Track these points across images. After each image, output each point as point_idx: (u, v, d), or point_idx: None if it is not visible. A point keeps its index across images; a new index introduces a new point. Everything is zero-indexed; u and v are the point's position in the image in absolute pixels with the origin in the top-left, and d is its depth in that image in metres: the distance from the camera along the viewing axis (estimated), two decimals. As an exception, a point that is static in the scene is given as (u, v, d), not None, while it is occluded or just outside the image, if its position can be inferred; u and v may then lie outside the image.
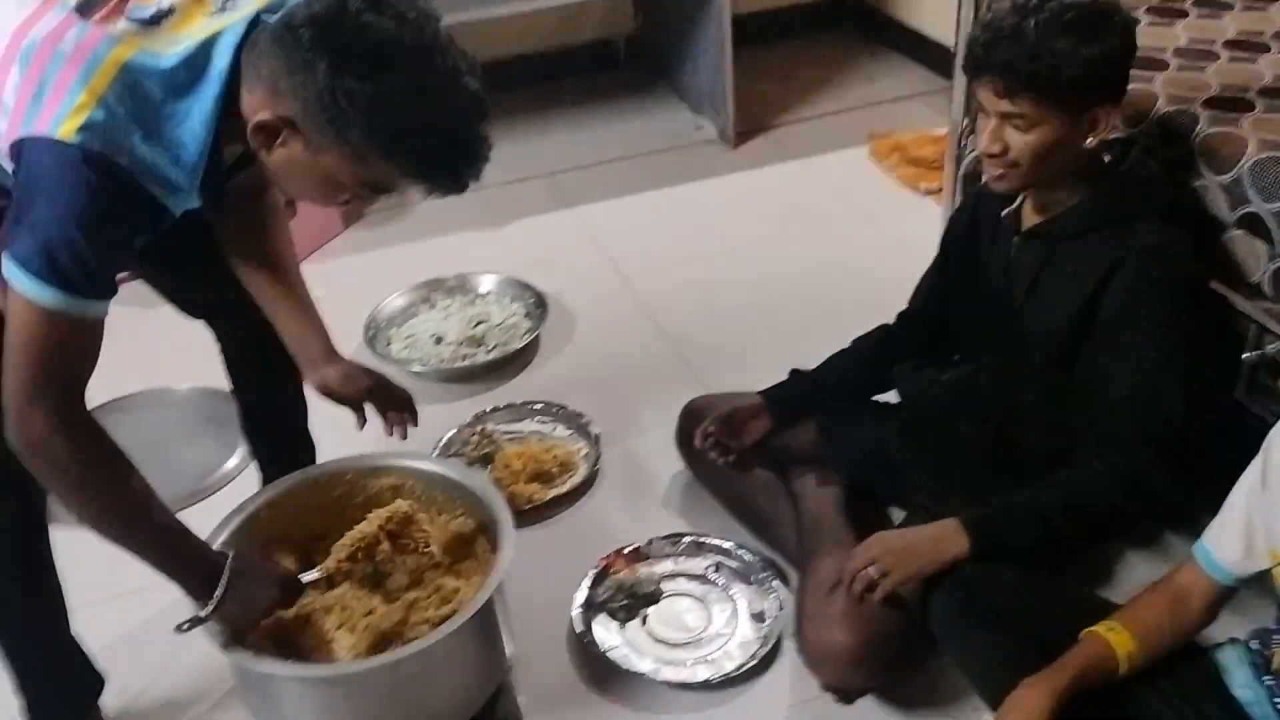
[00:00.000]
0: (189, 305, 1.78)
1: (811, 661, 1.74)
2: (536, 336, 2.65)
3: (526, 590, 1.82)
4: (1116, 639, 1.41)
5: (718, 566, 2.01)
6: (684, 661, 1.84)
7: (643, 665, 1.83)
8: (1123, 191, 1.64)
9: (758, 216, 3.16)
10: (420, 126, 1.25)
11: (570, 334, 2.71)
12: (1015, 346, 1.73)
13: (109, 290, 1.29)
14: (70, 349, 1.26)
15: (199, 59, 1.28)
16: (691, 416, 2.13)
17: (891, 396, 2.01)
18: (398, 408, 1.78)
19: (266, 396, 1.86)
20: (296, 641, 1.56)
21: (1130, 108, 1.88)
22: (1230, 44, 2.12)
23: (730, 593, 1.96)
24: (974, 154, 1.75)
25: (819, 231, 3.06)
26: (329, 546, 1.65)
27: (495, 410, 2.42)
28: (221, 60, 1.28)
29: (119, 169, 1.23)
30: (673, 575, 2.00)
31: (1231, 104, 1.86)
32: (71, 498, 1.30)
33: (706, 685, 1.80)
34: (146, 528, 1.35)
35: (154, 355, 2.58)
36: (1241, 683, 1.41)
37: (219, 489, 2.28)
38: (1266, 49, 2.09)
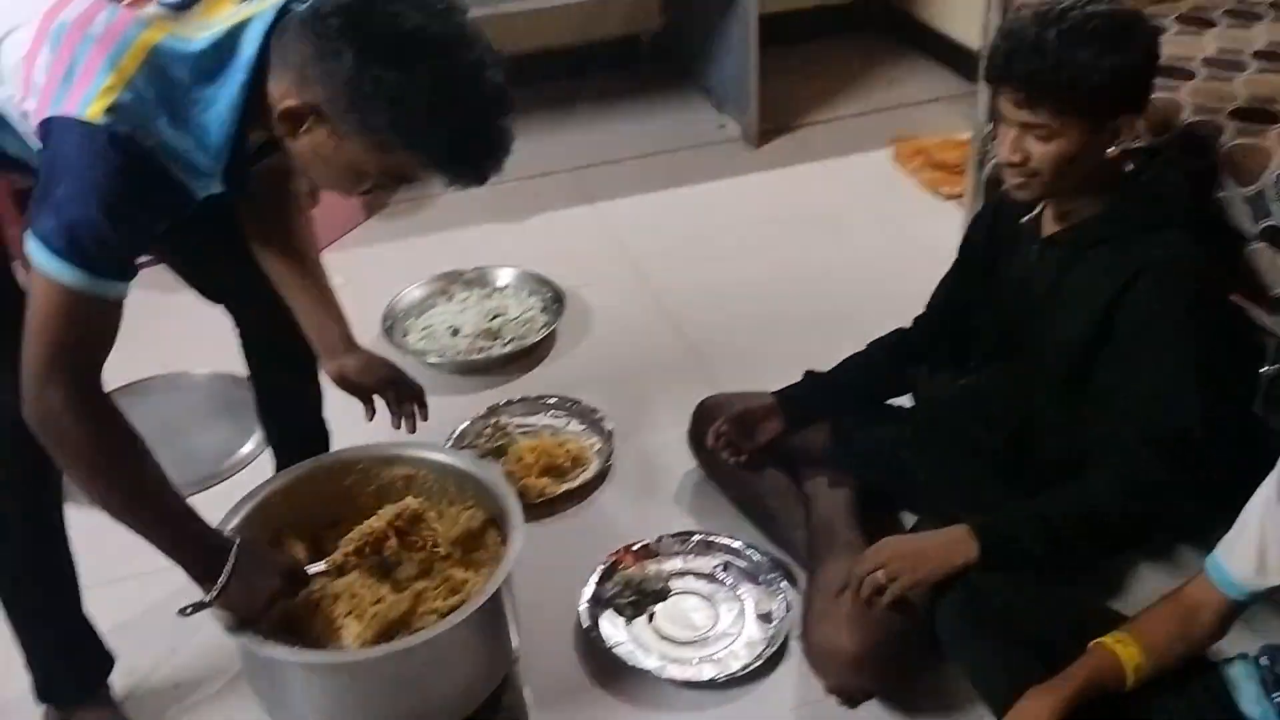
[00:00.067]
0: (209, 290, 1.79)
1: (817, 664, 1.74)
2: (553, 331, 2.66)
3: (535, 584, 1.82)
4: (1124, 651, 1.41)
5: (726, 566, 2.00)
6: (690, 660, 1.84)
7: (648, 662, 1.83)
8: (1144, 201, 1.63)
9: (778, 217, 3.15)
10: (443, 117, 1.26)
11: (586, 329, 2.72)
12: (1031, 354, 1.72)
13: (129, 272, 1.30)
14: (89, 328, 1.27)
15: (227, 45, 1.29)
16: (705, 415, 2.13)
17: (906, 400, 2.01)
18: (410, 400, 1.78)
19: (283, 383, 1.87)
20: (305, 627, 1.57)
21: (1155, 117, 1.87)
22: (1259, 54, 2.10)
23: (738, 592, 1.96)
24: (996, 160, 1.73)
25: (839, 233, 3.05)
26: (340, 535, 1.66)
27: (509, 403, 2.43)
28: (250, 47, 1.29)
29: (145, 151, 1.24)
30: (681, 573, 2.00)
31: (1258, 115, 1.84)
32: (83, 475, 1.31)
33: (711, 684, 1.80)
34: (155, 509, 1.36)
35: (174, 339, 2.60)
36: (1250, 699, 1.40)
37: (234, 473, 2.29)
38: (1296, 61, 2.08)
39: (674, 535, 2.05)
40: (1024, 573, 1.58)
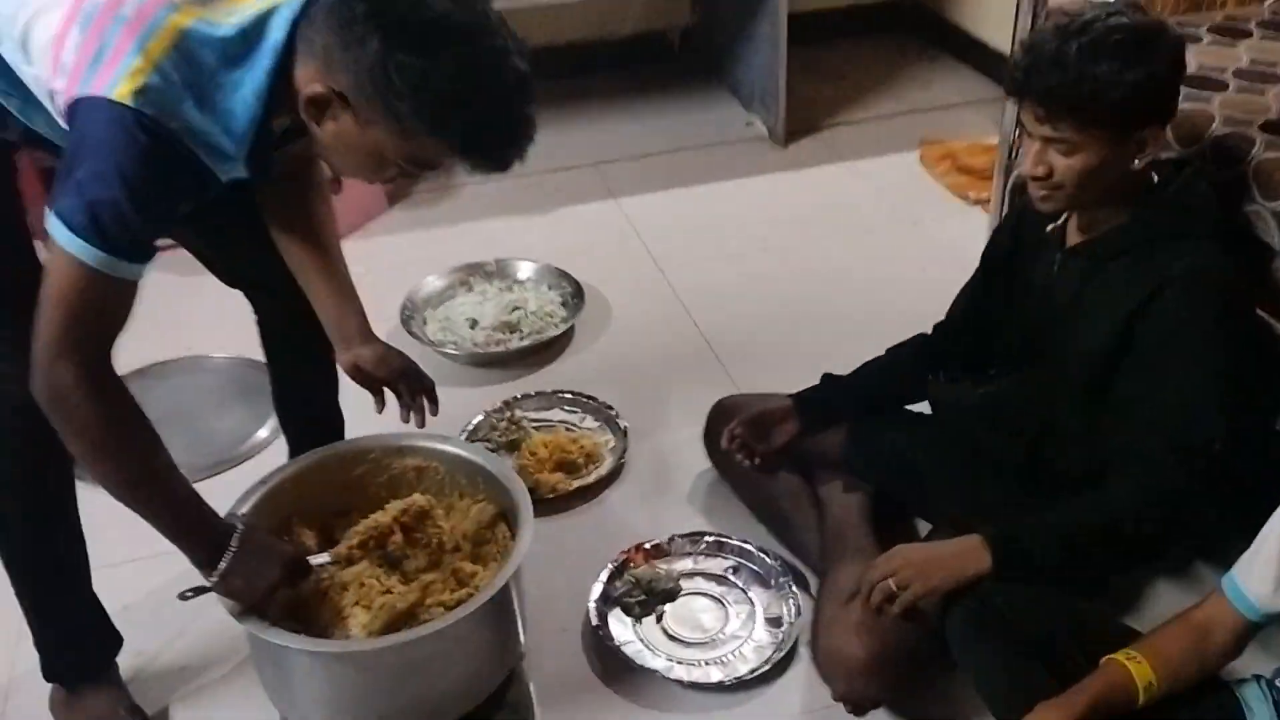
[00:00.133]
0: (228, 275, 1.79)
1: (825, 670, 1.73)
2: (571, 326, 2.65)
3: (544, 579, 1.82)
4: (1137, 669, 1.39)
5: (737, 568, 1.99)
6: (697, 661, 1.83)
7: (655, 662, 1.83)
8: (1170, 213, 1.60)
9: (803, 217, 3.14)
10: (467, 104, 1.26)
11: (605, 325, 2.71)
12: (1053, 364, 1.70)
13: (147, 254, 1.30)
14: (103, 307, 1.27)
15: (255, 30, 1.30)
16: (720, 415, 2.12)
17: (923, 406, 1.99)
18: (421, 395, 1.78)
19: (298, 370, 1.88)
20: (313, 615, 1.58)
21: (1185, 128, 1.84)
22: (1294, 67, 2.07)
23: (748, 595, 1.95)
24: (1020, 173, 1.71)
25: (864, 236, 3.03)
26: (350, 524, 1.66)
27: (525, 397, 2.43)
28: (277, 32, 1.30)
29: (170, 134, 1.25)
30: (691, 574, 1.99)
31: (1290, 129, 1.82)
32: (88, 453, 1.31)
33: (719, 687, 1.79)
34: (159, 491, 1.36)
35: (195, 322, 2.62)
36: (1263, 720, 1.38)
37: (249, 458, 2.30)
38: (1332, 74, 2.04)
39: (685, 535, 2.04)
40: (1038, 584, 1.56)
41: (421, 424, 1.78)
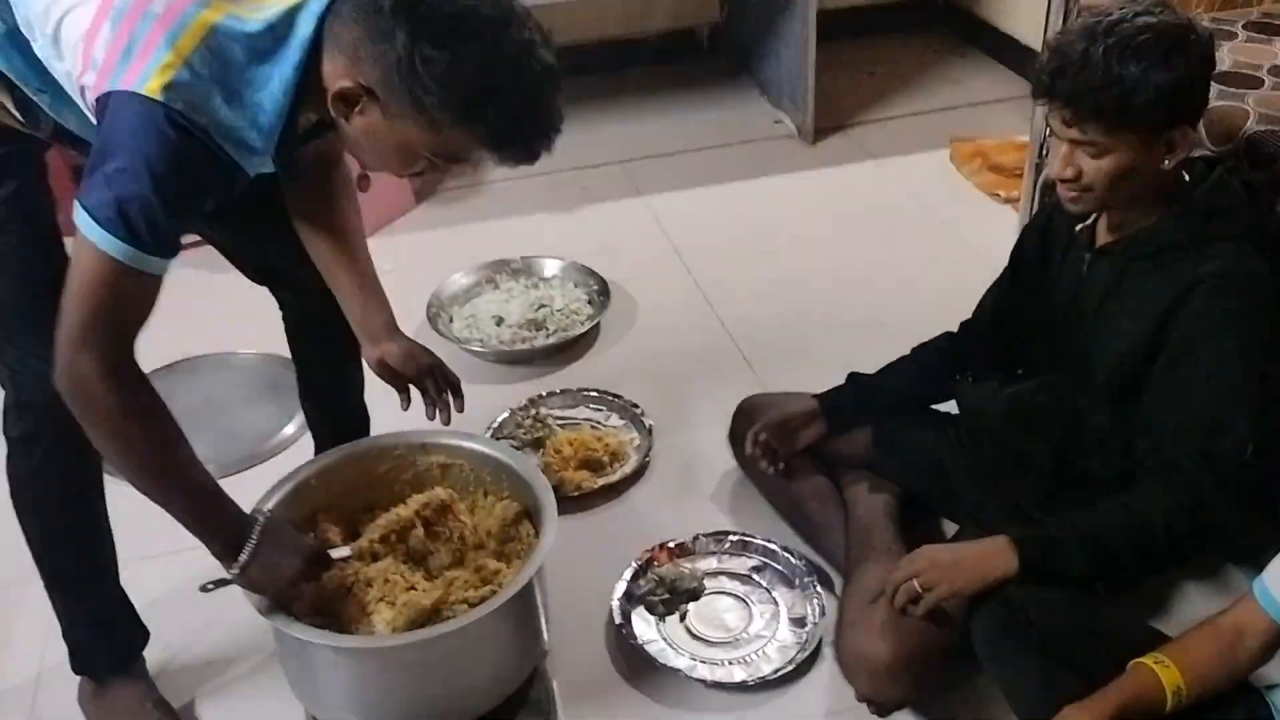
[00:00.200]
0: (254, 272, 1.80)
1: (848, 670, 1.72)
2: (597, 324, 2.65)
3: (568, 577, 1.82)
4: (1164, 673, 1.37)
5: (762, 567, 1.99)
6: (721, 661, 1.83)
7: (678, 661, 1.82)
8: (1201, 213, 1.58)
9: (831, 215, 3.12)
10: (494, 95, 1.27)
11: (631, 323, 2.70)
12: (1081, 365, 1.69)
13: (173, 249, 1.30)
14: (127, 300, 1.28)
15: (283, 26, 1.30)
16: (746, 414, 2.12)
17: (949, 406, 1.97)
18: (446, 392, 1.78)
19: (324, 366, 1.89)
20: (337, 611, 1.58)
21: (1219, 126, 1.82)
22: (1331, 64, 2.04)
23: (773, 595, 1.94)
24: (1048, 175, 1.69)
25: (892, 234, 3.01)
26: (375, 520, 1.66)
27: (550, 395, 2.43)
28: (305, 28, 1.30)
29: (198, 129, 1.26)
30: (716, 573, 1.99)
31: (1327, 127, 1.79)
32: (109, 444, 1.32)
33: (742, 686, 1.78)
34: (181, 482, 1.37)
35: (222, 319, 2.63)
36: (1293, 728, 1.37)
37: (276, 454, 2.31)
38: (1369, 71, 2.01)
39: (710, 534, 2.04)
40: (1064, 587, 1.54)
41: (447, 421, 1.78)
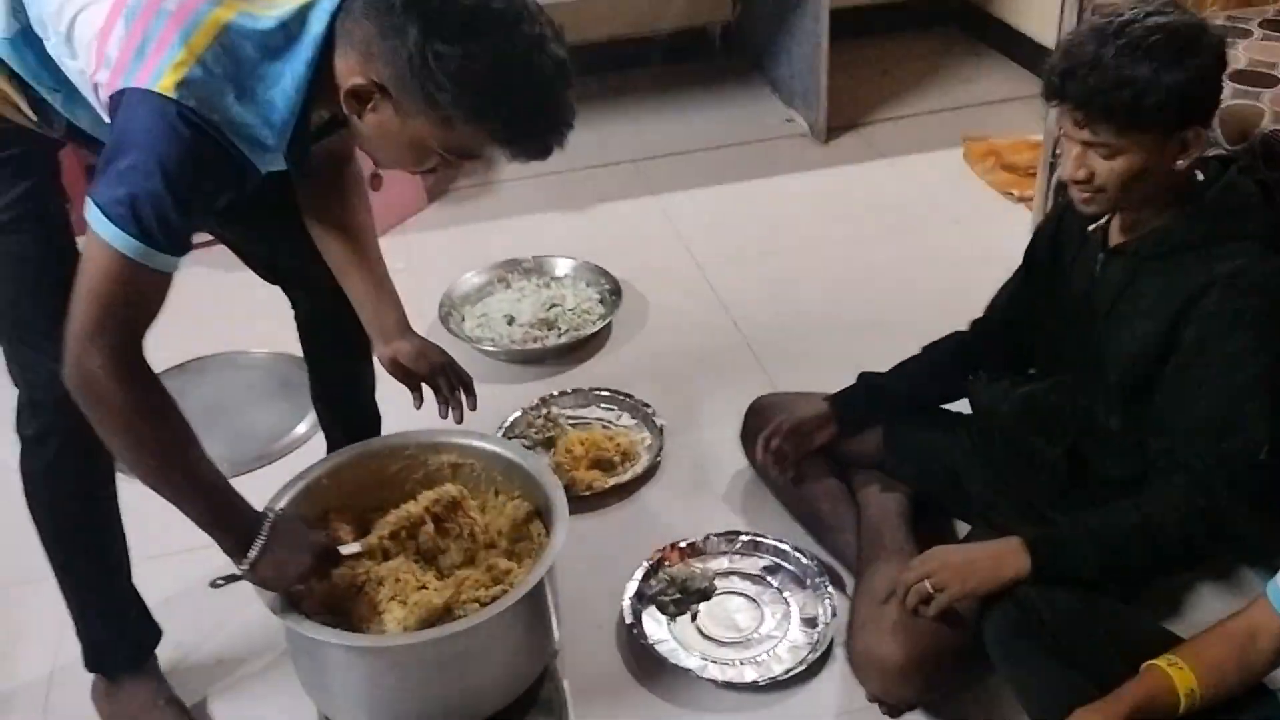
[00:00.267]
0: (266, 271, 1.81)
1: (859, 670, 1.72)
2: (609, 323, 2.65)
3: (579, 577, 1.82)
4: (1178, 675, 1.36)
5: (773, 568, 1.98)
6: (731, 661, 1.83)
7: (689, 661, 1.82)
8: (1215, 212, 1.57)
9: (843, 214, 3.12)
10: (507, 90, 1.27)
11: (643, 322, 2.70)
12: (1094, 365, 1.68)
13: (184, 247, 1.31)
14: (137, 297, 1.28)
15: (295, 23, 1.31)
16: (758, 414, 2.11)
17: (961, 405, 1.97)
18: (459, 390, 1.78)
19: (336, 365, 1.89)
20: (349, 610, 1.59)
21: (1234, 124, 1.81)
22: (1347, 62, 2.03)
23: (784, 595, 1.94)
24: (1060, 177, 1.68)
25: (905, 233, 3.01)
26: (385, 517, 1.66)
27: (562, 394, 2.43)
28: (317, 25, 1.31)
29: (211, 126, 1.26)
30: (727, 573, 1.98)
31: (1342, 125, 1.78)
32: (118, 440, 1.32)
33: (753, 687, 1.78)
34: (189, 477, 1.37)
35: (234, 318, 2.64)
36: (1309, 731, 1.36)
37: (288, 453, 2.32)
38: (1387, 69, 2.00)
39: (721, 534, 2.03)
40: (1076, 588, 1.54)
41: (460, 419, 1.78)
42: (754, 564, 2.00)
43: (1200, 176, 1.60)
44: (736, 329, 2.66)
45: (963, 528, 1.98)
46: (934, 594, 1.59)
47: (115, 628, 1.73)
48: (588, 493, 2.15)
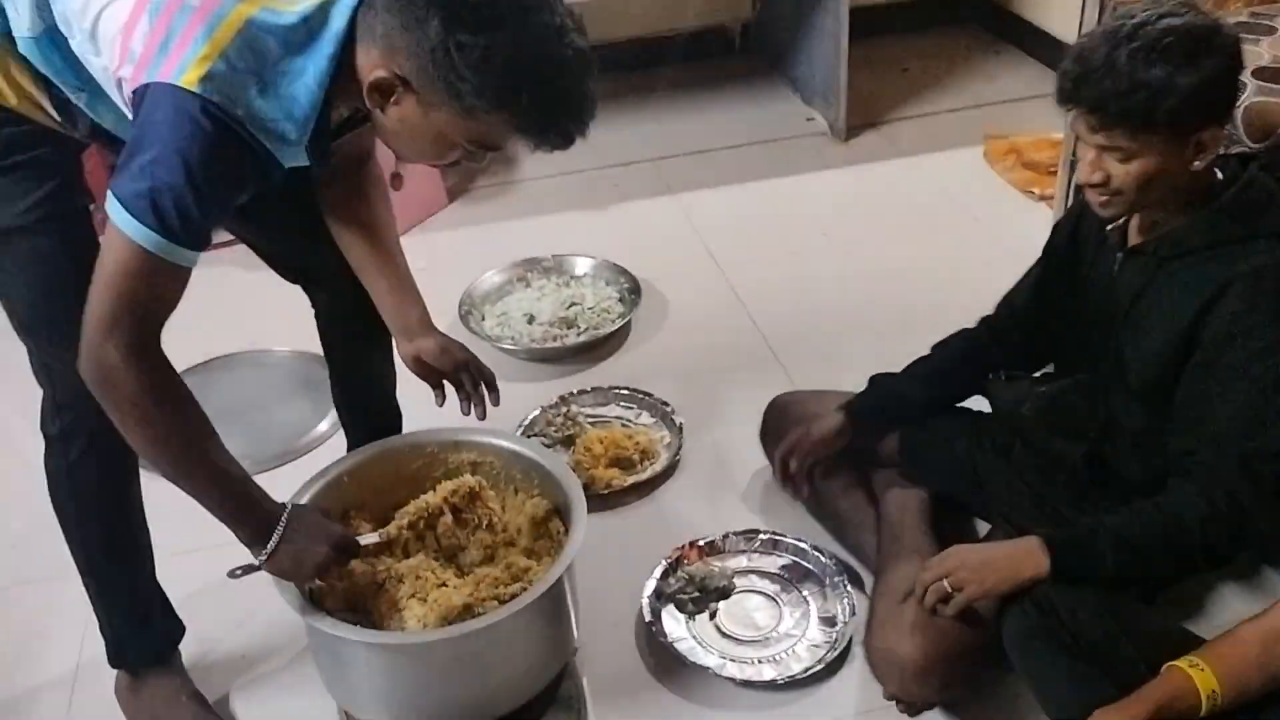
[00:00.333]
0: (288, 271, 1.82)
1: (877, 669, 1.71)
2: (628, 322, 2.65)
3: (598, 575, 1.82)
4: (1200, 676, 1.35)
5: (792, 566, 1.98)
6: (750, 659, 1.83)
7: (708, 660, 1.82)
8: (1234, 211, 1.55)
9: (863, 213, 3.11)
10: (529, 80, 1.28)
11: (662, 321, 2.70)
12: (1114, 365, 1.67)
13: (203, 242, 1.31)
14: (154, 289, 1.29)
15: (318, 18, 1.32)
16: (777, 413, 2.11)
17: (975, 402, 1.96)
18: (483, 385, 1.79)
19: (357, 363, 1.90)
20: (369, 607, 1.60)
21: (1258, 122, 1.79)
22: (1372, 59, 2.01)
23: (803, 593, 1.94)
24: (1077, 181, 1.68)
25: (925, 232, 2.99)
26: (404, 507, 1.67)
27: (581, 393, 2.43)
28: (339, 21, 1.32)
29: (234, 121, 1.27)
30: (745, 571, 1.98)
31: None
32: (135, 431, 1.32)
33: (771, 685, 1.78)
34: (207, 468, 1.38)
35: (255, 317, 2.66)
36: (1332, 733, 1.35)
37: (310, 451, 2.33)
38: None
39: (740, 533, 2.03)
40: (1096, 588, 1.53)
41: (482, 416, 1.79)
42: (773, 562, 2.00)
43: (1219, 175, 1.58)
44: (755, 327, 2.66)
45: (983, 527, 1.97)
46: (952, 593, 1.58)
47: (139, 623, 1.75)
48: (607, 491, 2.16)
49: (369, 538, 1.60)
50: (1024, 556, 1.55)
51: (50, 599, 1.99)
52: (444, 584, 1.61)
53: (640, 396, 2.42)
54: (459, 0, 1.25)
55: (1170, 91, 1.43)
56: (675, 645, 1.84)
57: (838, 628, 1.86)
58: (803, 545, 2.00)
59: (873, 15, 3.77)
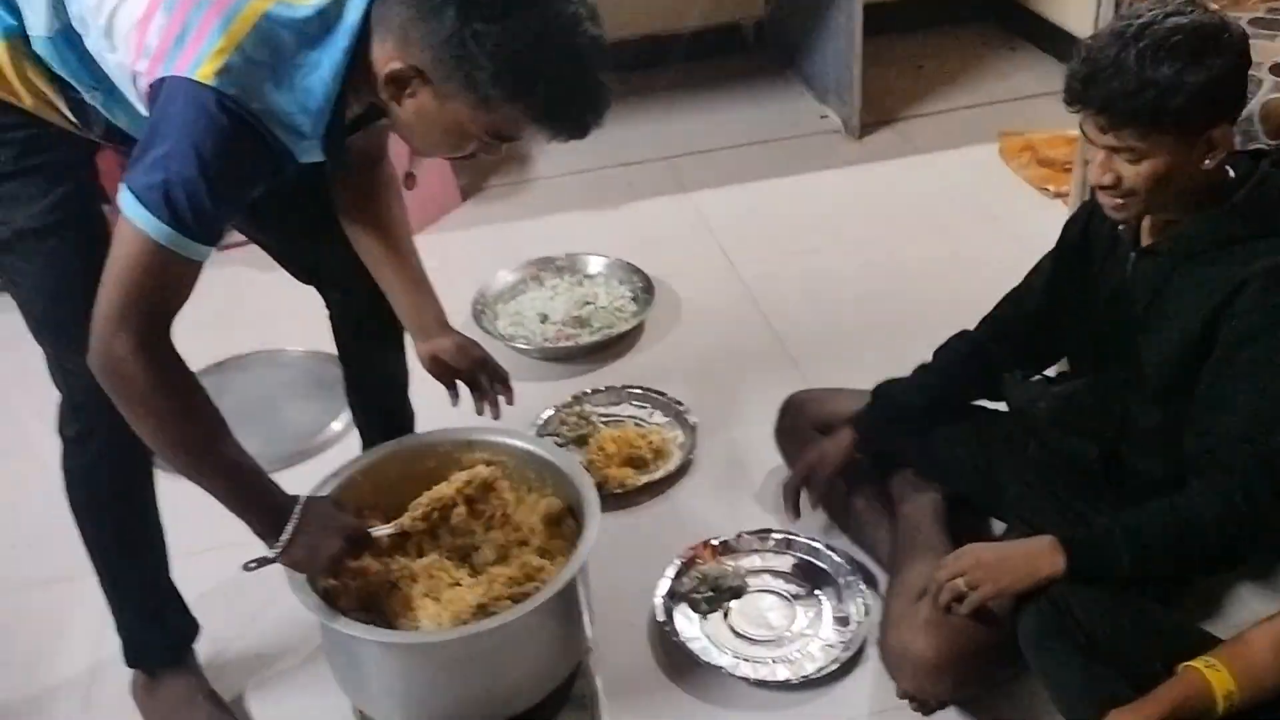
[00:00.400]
0: (301, 271, 1.82)
1: (891, 667, 1.71)
2: (641, 321, 2.65)
3: (611, 574, 1.82)
4: (1216, 677, 1.35)
5: (806, 565, 1.98)
6: (764, 659, 1.82)
7: (721, 659, 1.82)
8: (1247, 210, 1.54)
9: (877, 211, 3.10)
10: (544, 69, 1.28)
11: (675, 320, 2.70)
12: (1128, 365, 1.66)
13: (216, 236, 1.31)
14: (165, 282, 1.29)
15: (332, 12, 1.32)
16: (792, 411, 2.11)
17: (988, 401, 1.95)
18: (498, 385, 1.79)
19: (370, 363, 1.90)
20: (383, 606, 1.60)
21: (1274, 119, 1.78)
22: (1391, 54, 1.99)
23: (817, 593, 1.93)
24: (1089, 183, 1.66)
25: (939, 229, 2.99)
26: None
27: (594, 392, 2.43)
28: (354, 14, 1.32)
29: (250, 114, 1.27)
30: (759, 571, 1.98)
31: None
32: (145, 424, 1.33)
33: (785, 685, 1.78)
34: (218, 460, 1.38)
35: (270, 317, 2.67)
36: (1350, 734, 1.34)
37: (324, 450, 2.34)
38: None
39: (754, 532, 2.03)
40: (1112, 588, 1.52)
41: (497, 415, 1.79)
42: (786, 562, 1.99)
43: (1231, 174, 1.57)
44: (769, 326, 2.65)
45: (999, 527, 1.97)
46: (967, 592, 1.58)
47: (154, 623, 1.75)
48: (620, 490, 2.16)
49: (383, 529, 1.60)
50: (1039, 555, 1.54)
51: (67, 599, 2.00)
52: (457, 583, 1.61)
53: (654, 395, 2.42)
54: None
55: (1178, 90, 1.42)
56: (688, 645, 1.84)
57: (851, 627, 1.85)
58: (816, 545, 2.00)
59: (886, 12, 3.75)
